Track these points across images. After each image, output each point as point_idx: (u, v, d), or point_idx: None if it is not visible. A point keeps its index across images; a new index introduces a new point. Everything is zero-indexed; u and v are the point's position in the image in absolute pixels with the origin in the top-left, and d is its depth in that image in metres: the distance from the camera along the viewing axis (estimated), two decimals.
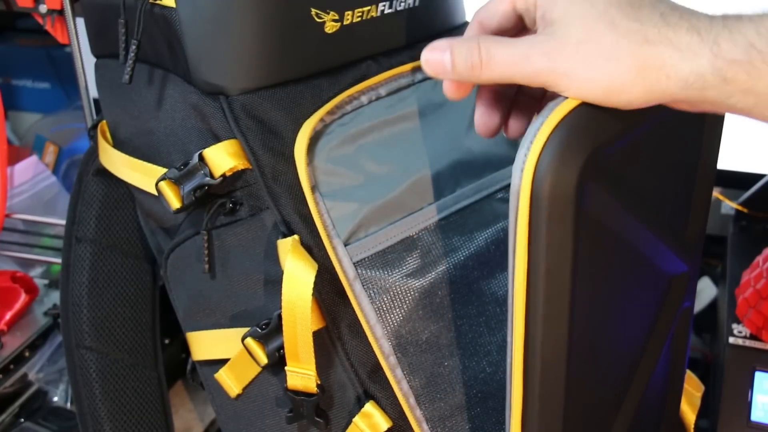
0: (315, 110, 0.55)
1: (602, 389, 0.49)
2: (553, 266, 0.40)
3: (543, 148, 0.39)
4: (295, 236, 0.52)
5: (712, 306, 0.98)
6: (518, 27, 0.45)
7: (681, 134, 0.46)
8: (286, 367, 0.52)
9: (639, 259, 0.49)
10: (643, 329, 0.52)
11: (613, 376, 0.50)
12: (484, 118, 0.49)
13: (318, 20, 0.54)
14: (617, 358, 0.50)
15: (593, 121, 0.40)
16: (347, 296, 0.53)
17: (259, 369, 0.55)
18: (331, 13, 0.55)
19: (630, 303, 0.49)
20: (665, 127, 0.43)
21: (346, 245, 0.54)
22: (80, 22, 0.74)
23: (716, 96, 0.39)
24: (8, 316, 0.88)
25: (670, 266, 0.53)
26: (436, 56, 0.43)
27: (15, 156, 1.06)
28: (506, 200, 0.63)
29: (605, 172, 0.41)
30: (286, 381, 0.53)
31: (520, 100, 0.49)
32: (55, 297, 0.94)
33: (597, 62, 0.39)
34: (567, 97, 0.41)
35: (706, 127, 0.52)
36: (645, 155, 0.46)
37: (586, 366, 0.45)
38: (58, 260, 0.83)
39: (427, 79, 0.61)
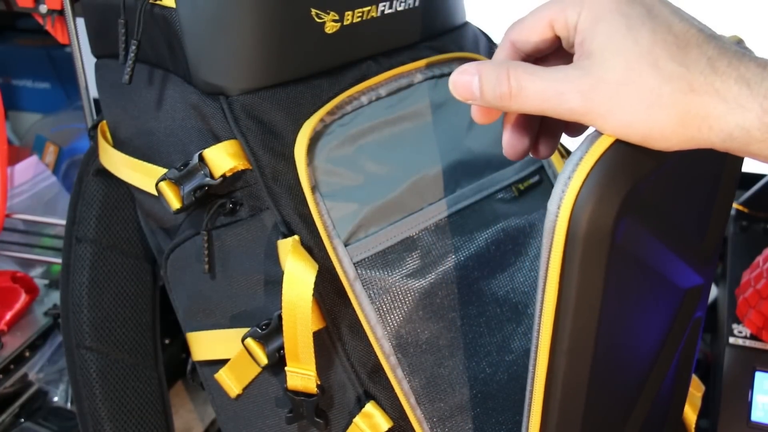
0: (315, 110, 0.55)
1: (616, 403, 0.49)
2: (582, 302, 0.39)
3: (581, 187, 0.37)
4: (296, 236, 0.52)
5: (712, 306, 0.98)
6: (554, 47, 0.43)
7: (707, 150, 0.45)
8: (286, 368, 0.52)
9: (659, 279, 0.48)
10: (657, 342, 0.51)
11: (627, 389, 0.50)
12: (512, 141, 0.46)
13: (318, 20, 0.54)
14: (632, 372, 0.49)
15: (632, 159, 0.38)
16: (348, 296, 0.53)
17: (259, 369, 0.55)
18: (331, 13, 0.55)
19: (647, 320, 0.49)
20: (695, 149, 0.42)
21: (346, 245, 0.54)
22: (80, 22, 0.74)
23: (760, 150, 0.37)
24: (8, 316, 0.88)
25: (686, 281, 0.52)
26: (464, 80, 0.41)
27: (15, 156, 1.06)
28: (507, 200, 0.63)
29: (639, 205, 0.40)
30: (286, 381, 0.52)
31: (549, 121, 0.47)
32: (55, 297, 0.94)
33: (636, 107, 0.37)
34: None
35: None
36: (674, 179, 0.45)
37: (604, 386, 0.45)
38: (59, 260, 0.83)
39: (427, 79, 0.61)
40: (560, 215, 0.38)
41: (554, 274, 0.39)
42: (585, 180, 0.37)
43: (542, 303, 0.40)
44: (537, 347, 0.41)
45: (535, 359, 0.41)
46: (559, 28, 0.41)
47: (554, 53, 0.44)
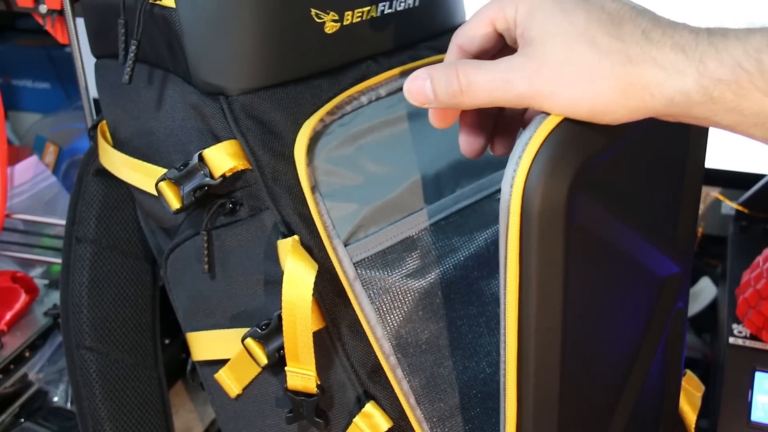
0: (315, 110, 0.55)
1: (597, 393, 0.49)
2: (544, 280, 0.40)
3: (532, 164, 0.38)
4: (295, 237, 0.52)
5: (712, 306, 0.98)
6: (500, 46, 0.44)
7: (667, 135, 0.45)
8: (286, 368, 0.52)
9: (629, 264, 0.49)
10: (636, 331, 0.52)
11: (607, 379, 0.50)
12: (469, 140, 0.48)
13: (318, 20, 0.54)
14: (611, 361, 0.50)
15: (581, 135, 0.40)
16: (347, 296, 0.53)
17: (259, 369, 0.55)
18: (331, 13, 0.55)
19: (622, 307, 0.49)
20: (652, 131, 0.43)
21: (346, 245, 0.54)
22: (80, 22, 0.74)
23: (701, 113, 0.38)
24: (8, 316, 0.88)
25: (661, 268, 0.53)
26: (417, 85, 0.43)
27: (15, 156, 1.06)
28: None
29: (594, 183, 0.41)
30: (286, 381, 0.53)
31: (504, 117, 0.48)
32: (55, 297, 0.94)
33: (579, 84, 0.38)
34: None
35: (691, 127, 0.52)
36: (633, 160, 0.45)
37: (580, 372, 0.45)
38: (59, 260, 0.83)
39: None
40: (513, 193, 0.39)
41: (513, 253, 0.40)
42: (534, 157, 0.38)
43: (505, 284, 0.41)
44: (505, 329, 0.42)
45: (505, 342, 0.42)
46: (499, 25, 0.43)
47: (500, 52, 0.45)
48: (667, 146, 0.50)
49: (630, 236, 0.47)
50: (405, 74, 0.60)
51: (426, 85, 0.42)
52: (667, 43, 0.37)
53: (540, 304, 0.40)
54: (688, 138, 0.52)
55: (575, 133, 0.39)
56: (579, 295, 0.42)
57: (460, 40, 0.45)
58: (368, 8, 0.57)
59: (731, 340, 0.78)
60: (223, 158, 0.53)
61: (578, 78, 0.38)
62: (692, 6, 0.91)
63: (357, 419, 0.54)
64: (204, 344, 0.59)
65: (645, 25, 0.38)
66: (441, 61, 0.62)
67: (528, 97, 0.39)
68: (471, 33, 0.44)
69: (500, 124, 0.49)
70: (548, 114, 0.40)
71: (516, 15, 0.41)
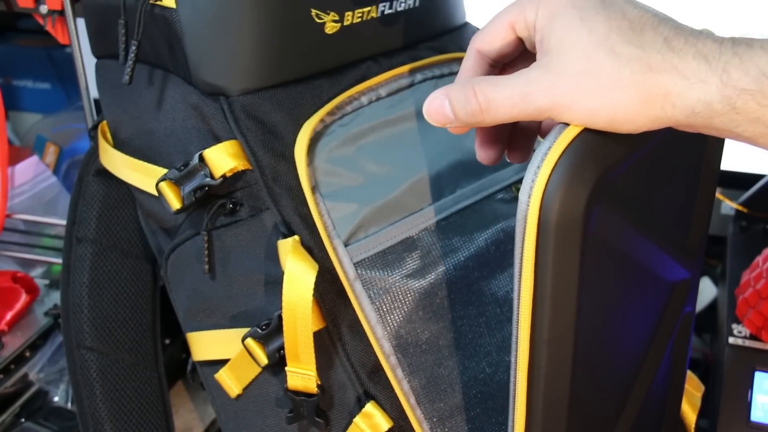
0: (315, 111, 0.55)
1: (605, 398, 0.49)
2: (559, 289, 0.40)
3: (551, 175, 0.38)
4: (296, 237, 0.52)
5: (712, 306, 0.98)
6: (519, 50, 0.44)
7: (685, 141, 0.45)
8: (286, 368, 0.52)
9: (642, 271, 0.48)
10: (645, 336, 0.52)
11: (615, 384, 0.50)
12: (485, 148, 0.47)
13: (318, 21, 0.54)
14: (620, 367, 0.50)
15: (600, 145, 0.39)
16: (348, 297, 0.53)
17: (259, 369, 0.55)
18: (331, 13, 0.55)
19: (632, 313, 0.49)
20: (670, 138, 0.42)
21: (346, 246, 0.54)
22: (81, 22, 0.74)
23: (722, 124, 0.37)
24: (9, 316, 0.88)
25: (672, 274, 0.52)
26: (436, 106, 0.42)
27: (16, 156, 1.06)
28: (506, 201, 0.63)
29: (612, 193, 0.41)
30: (286, 381, 0.53)
31: (520, 125, 0.48)
32: (55, 297, 0.94)
33: (599, 94, 0.37)
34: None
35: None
36: (650, 168, 0.45)
37: (589, 379, 0.45)
38: (59, 260, 0.84)
39: (427, 79, 0.61)
40: (531, 204, 0.38)
41: (529, 264, 0.39)
42: (554, 168, 0.38)
43: (519, 293, 0.40)
44: (517, 338, 0.41)
45: (516, 350, 0.42)
46: (519, 30, 0.42)
47: (520, 57, 0.44)
48: (684, 152, 0.49)
49: (644, 244, 0.47)
50: (405, 75, 0.60)
51: (445, 105, 0.42)
52: (690, 52, 0.37)
53: (553, 314, 0.40)
54: (705, 144, 0.51)
55: (595, 144, 0.39)
56: (592, 304, 0.42)
57: (479, 44, 0.44)
58: (368, 9, 0.57)
59: (731, 340, 0.78)
60: (223, 158, 0.53)
61: (598, 87, 0.37)
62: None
63: (357, 419, 0.54)
64: (204, 344, 0.59)
65: (667, 33, 0.37)
66: (442, 61, 0.63)
67: (547, 110, 0.39)
68: (490, 38, 0.43)
69: (517, 131, 0.48)
70: (567, 124, 0.39)
71: (536, 19, 0.40)
